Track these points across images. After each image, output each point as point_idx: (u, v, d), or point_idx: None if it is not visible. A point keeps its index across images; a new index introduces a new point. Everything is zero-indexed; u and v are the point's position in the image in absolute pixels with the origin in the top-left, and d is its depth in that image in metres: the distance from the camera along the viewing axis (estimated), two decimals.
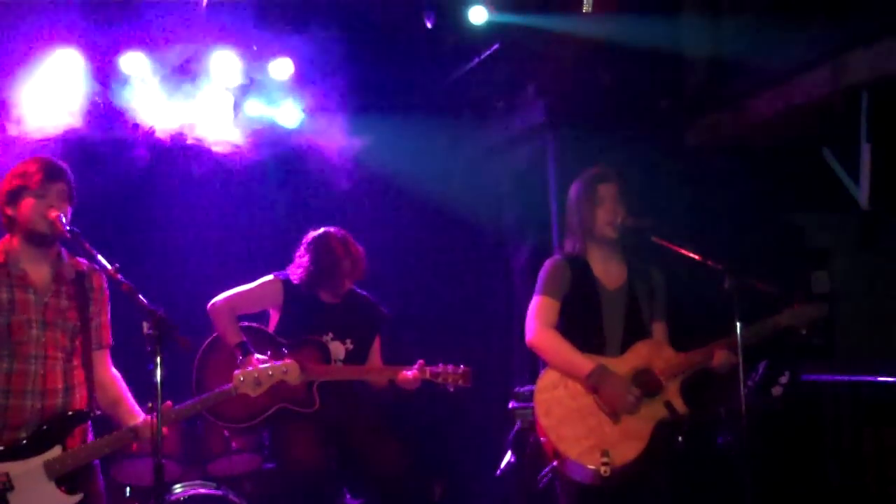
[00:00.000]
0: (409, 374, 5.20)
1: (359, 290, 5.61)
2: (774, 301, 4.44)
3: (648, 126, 6.60)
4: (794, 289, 4.58)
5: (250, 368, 4.16)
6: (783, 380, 5.62)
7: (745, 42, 6.09)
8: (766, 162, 6.57)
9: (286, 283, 5.38)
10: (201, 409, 4.39)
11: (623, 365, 4.47)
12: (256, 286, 5.36)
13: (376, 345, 5.59)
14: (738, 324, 4.12)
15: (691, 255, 4.37)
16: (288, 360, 4.22)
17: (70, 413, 3.96)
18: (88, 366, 4.09)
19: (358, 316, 5.51)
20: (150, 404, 4.54)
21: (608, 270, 4.67)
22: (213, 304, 5.24)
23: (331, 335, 5.36)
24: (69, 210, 4.01)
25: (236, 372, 4.14)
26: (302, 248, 5.48)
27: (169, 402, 3.91)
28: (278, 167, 7.11)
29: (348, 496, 5.58)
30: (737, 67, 6.22)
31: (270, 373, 4.14)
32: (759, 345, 4.42)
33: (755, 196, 6.62)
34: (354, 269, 5.48)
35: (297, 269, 5.41)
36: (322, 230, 5.53)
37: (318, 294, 5.41)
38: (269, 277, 5.40)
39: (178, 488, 5.40)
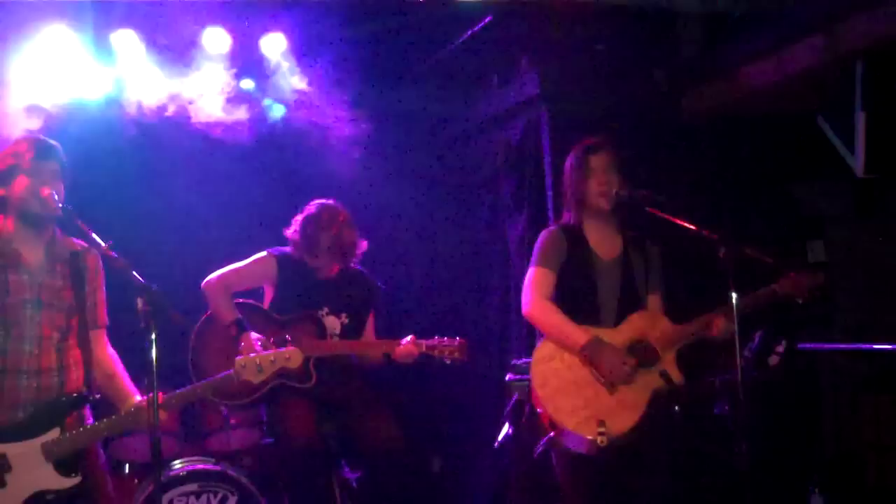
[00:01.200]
0: (405, 347, 5.19)
1: (353, 265, 5.60)
2: (771, 270, 4.44)
3: (643, 96, 6.58)
4: (791, 258, 4.57)
5: (252, 355, 4.15)
6: (780, 349, 5.63)
7: (739, 8, 6.05)
8: (761, 131, 6.56)
9: (280, 258, 5.38)
10: (202, 394, 4.40)
11: (619, 336, 4.48)
12: (250, 262, 5.36)
13: (370, 320, 5.59)
14: (733, 293, 4.12)
15: (686, 225, 4.36)
16: (291, 347, 4.22)
17: (69, 396, 3.97)
18: (85, 346, 4.09)
19: (353, 290, 5.50)
20: (146, 381, 4.56)
21: (603, 241, 4.67)
22: (207, 282, 5.24)
23: (326, 310, 5.36)
24: (62, 188, 4.00)
25: (238, 357, 4.14)
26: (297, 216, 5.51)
27: (161, 394, 3.90)
28: (271, 143, 7.08)
29: (346, 469, 5.59)
30: (731, 35, 6.19)
31: (272, 359, 4.13)
32: (755, 314, 4.42)
33: (750, 165, 6.62)
34: (334, 246, 5.42)
35: (291, 235, 5.43)
36: (318, 201, 5.52)
37: (312, 269, 5.41)
38: (263, 254, 5.39)
39: (177, 464, 5.43)
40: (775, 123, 6.49)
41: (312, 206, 5.48)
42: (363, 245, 5.52)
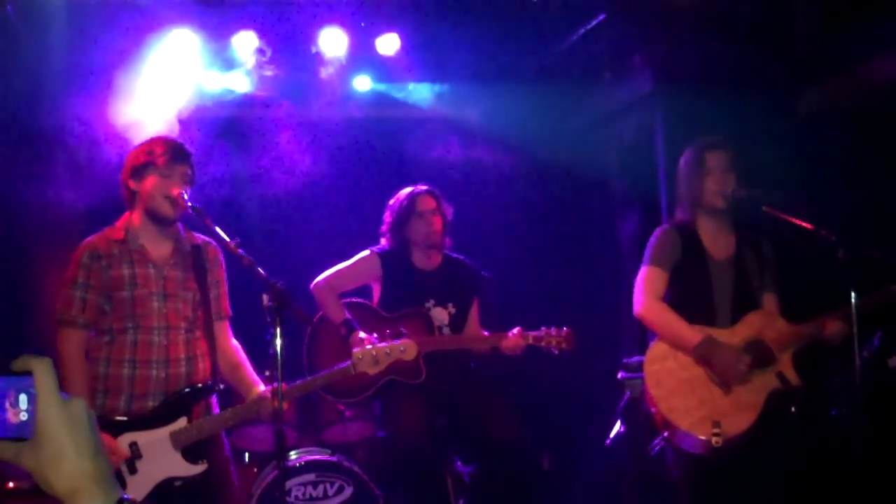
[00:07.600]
0: (512, 340, 5.25)
1: (454, 255, 5.66)
2: (890, 270, 4.35)
3: (759, 93, 6.48)
4: None
5: (368, 347, 4.26)
6: None
7: (859, 2, 5.92)
8: (881, 128, 6.39)
9: (383, 255, 5.46)
10: (320, 385, 4.52)
11: (734, 336, 4.44)
12: (354, 262, 5.46)
13: (474, 308, 5.64)
14: (852, 294, 4.05)
15: (804, 224, 4.31)
16: (406, 340, 4.31)
17: (196, 386, 4.11)
18: (210, 336, 4.24)
19: (457, 280, 5.55)
20: (267, 373, 4.71)
21: (717, 241, 4.63)
22: (314, 285, 5.36)
23: (432, 302, 5.42)
24: (189, 191, 4.15)
25: (355, 350, 4.25)
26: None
27: (284, 385, 4.02)
28: (384, 139, 7.19)
29: (459, 464, 5.66)
30: (850, 31, 6.06)
31: (388, 351, 4.24)
32: (874, 315, 4.34)
33: (869, 164, 6.45)
34: (427, 234, 5.45)
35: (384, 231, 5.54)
36: (405, 191, 5.56)
37: (413, 262, 5.49)
38: (366, 252, 5.48)
39: (293, 454, 5.55)
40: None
41: (399, 198, 5.54)
42: (450, 215, 5.55)
